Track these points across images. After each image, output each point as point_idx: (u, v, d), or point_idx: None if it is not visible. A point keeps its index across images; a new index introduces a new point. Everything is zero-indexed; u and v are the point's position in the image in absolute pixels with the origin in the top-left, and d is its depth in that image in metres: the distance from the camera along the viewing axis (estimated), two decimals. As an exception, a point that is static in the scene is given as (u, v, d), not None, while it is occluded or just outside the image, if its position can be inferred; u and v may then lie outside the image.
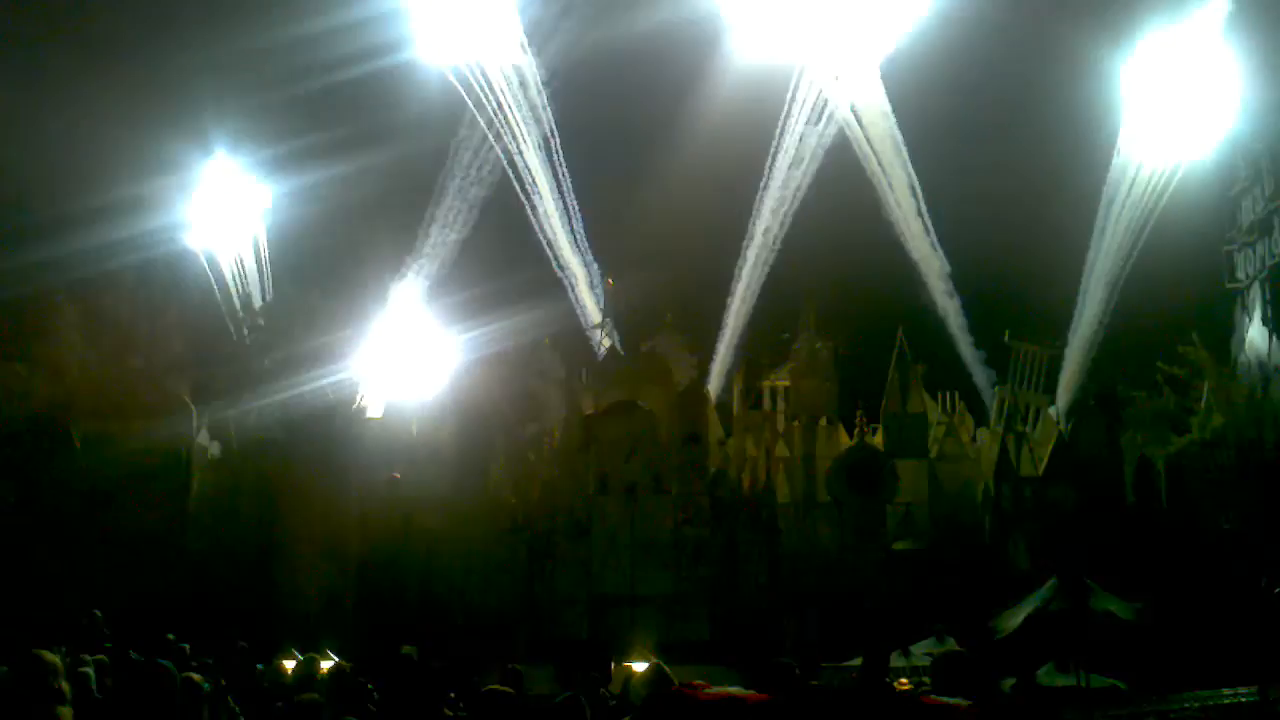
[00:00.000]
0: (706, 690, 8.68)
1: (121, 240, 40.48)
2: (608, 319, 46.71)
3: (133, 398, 37.81)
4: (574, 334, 47.05)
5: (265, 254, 48.77)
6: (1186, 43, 38.93)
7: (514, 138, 46.19)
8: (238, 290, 48.14)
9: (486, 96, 45.56)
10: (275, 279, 48.41)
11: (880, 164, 43.49)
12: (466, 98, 45.47)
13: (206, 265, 47.37)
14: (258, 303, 47.99)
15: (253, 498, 37.38)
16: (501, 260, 46.66)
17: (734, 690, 8.76)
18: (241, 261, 48.48)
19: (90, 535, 33.82)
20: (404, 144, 44.08)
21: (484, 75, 45.40)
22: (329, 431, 38.11)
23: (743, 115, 43.35)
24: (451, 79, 44.96)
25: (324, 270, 45.63)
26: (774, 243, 45.43)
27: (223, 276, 48.06)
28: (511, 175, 46.62)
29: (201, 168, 46.97)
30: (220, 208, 47.99)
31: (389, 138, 43.49)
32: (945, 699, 8.92)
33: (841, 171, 43.72)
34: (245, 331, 45.13)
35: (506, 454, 40.30)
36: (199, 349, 41.73)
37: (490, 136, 46.02)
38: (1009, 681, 13.19)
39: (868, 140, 43.30)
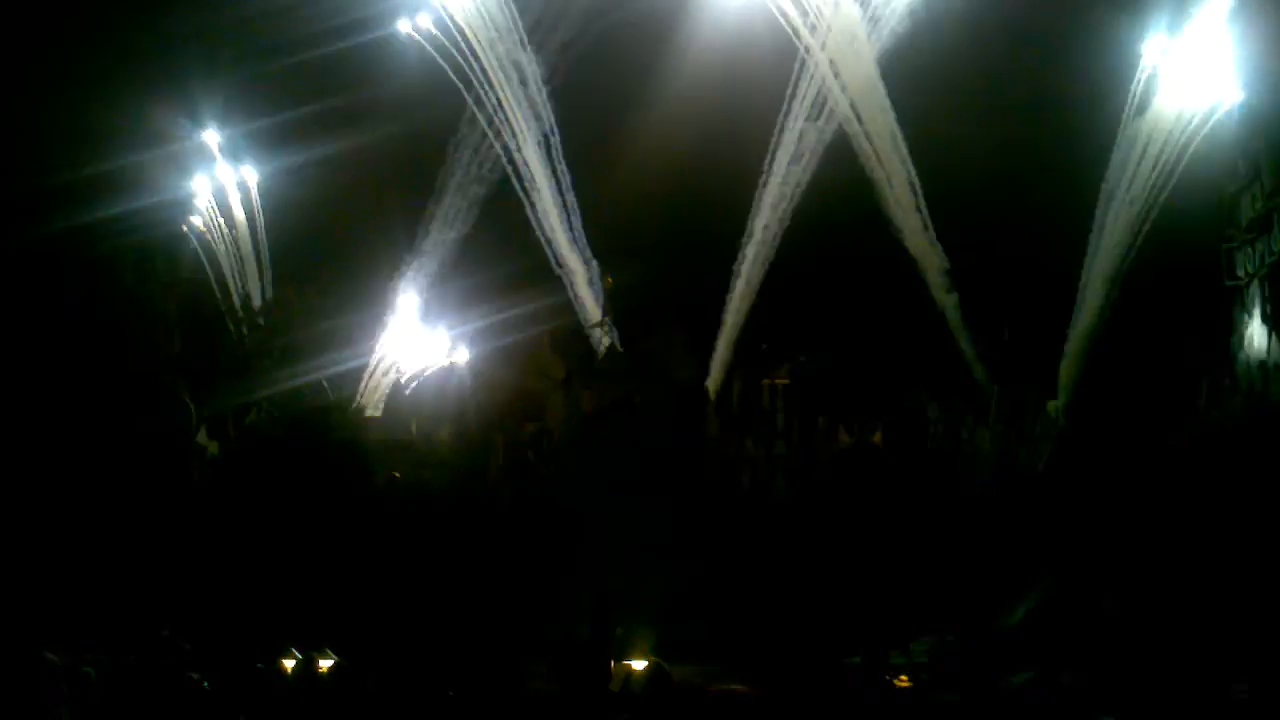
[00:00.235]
0: (707, 687, 8.70)
1: (112, 221, 40.27)
2: (607, 317, 46.68)
3: (131, 395, 37.84)
4: (573, 332, 47.00)
5: (263, 238, 48.55)
6: (1190, 36, 38.90)
7: (513, 134, 46.12)
8: (235, 284, 48.04)
9: (486, 92, 45.51)
10: (274, 270, 48.23)
11: (879, 158, 43.48)
12: (466, 94, 45.39)
13: (201, 251, 47.21)
14: (255, 295, 47.89)
15: (252, 496, 37.38)
16: (500, 256, 46.57)
17: (735, 687, 8.78)
18: (238, 248, 48.32)
19: (88, 532, 33.81)
20: (402, 122, 43.84)
21: (481, 66, 45.33)
22: (327, 430, 38.14)
23: (741, 104, 43.31)
24: (444, 65, 44.80)
25: (322, 259, 45.51)
26: (773, 239, 45.38)
27: (219, 264, 47.89)
28: (510, 171, 46.53)
29: (192, 144, 46.65)
30: (214, 188, 47.73)
31: (386, 115, 43.24)
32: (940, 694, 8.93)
33: (840, 169, 43.67)
34: (245, 331, 45.12)
35: (506, 452, 40.33)
36: (197, 344, 41.69)
37: (489, 131, 45.91)
38: (1022, 676, 13.23)
39: (867, 136, 43.28)
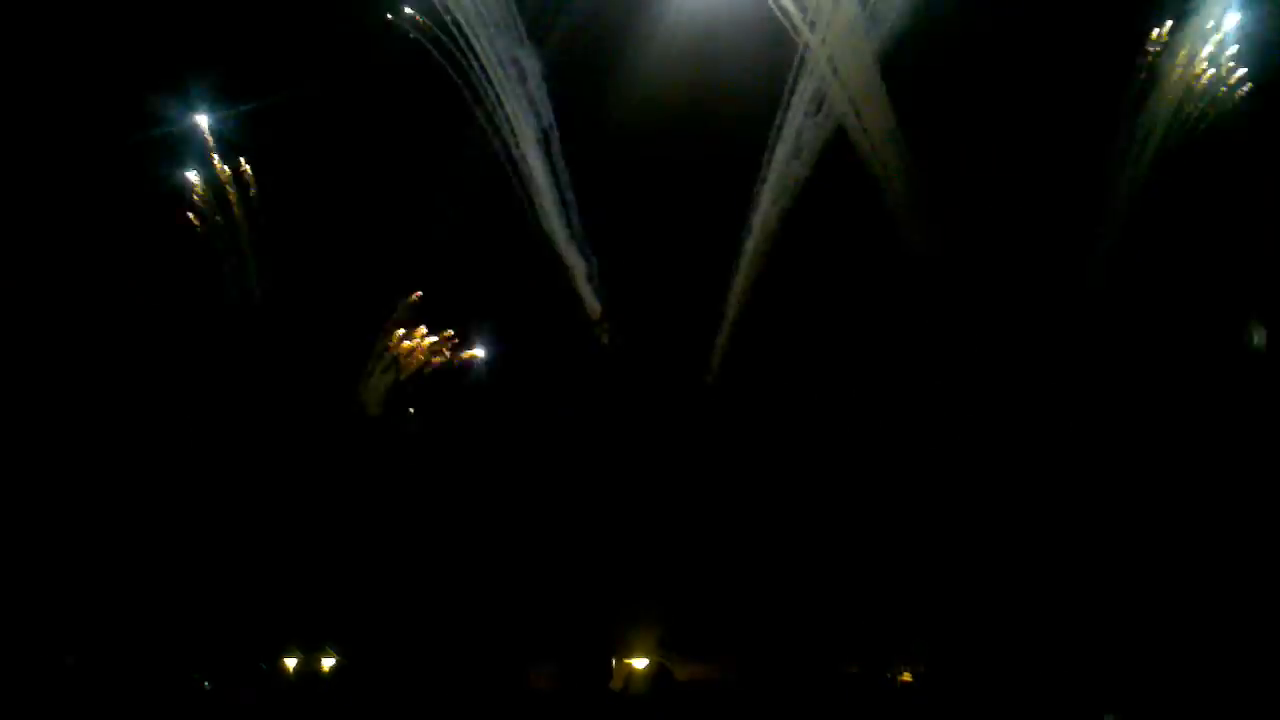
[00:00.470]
0: (705, 682, 8.71)
1: (108, 210, 40.14)
2: (606, 316, 46.67)
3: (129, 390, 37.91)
4: (572, 330, 46.94)
5: (259, 232, 48.32)
6: (1191, 33, 39.05)
7: (512, 131, 46.10)
8: (233, 278, 47.91)
9: (486, 90, 45.50)
10: (273, 265, 48.07)
11: (877, 154, 43.51)
12: (466, 90, 45.37)
13: (196, 243, 47.03)
14: (255, 292, 47.78)
15: (253, 496, 37.45)
16: (498, 253, 46.52)
17: (734, 685, 8.78)
18: (234, 241, 48.16)
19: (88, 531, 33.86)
20: (401, 115, 43.77)
21: (479, 63, 45.31)
22: (326, 428, 38.22)
23: (742, 98, 43.36)
24: (441, 61, 44.73)
25: (321, 252, 45.43)
26: (771, 235, 45.41)
27: (215, 256, 47.72)
28: (510, 170, 46.51)
29: (186, 131, 46.42)
30: (209, 176, 47.53)
31: (385, 109, 43.14)
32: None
33: (840, 166, 43.74)
34: (246, 329, 45.11)
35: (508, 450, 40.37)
36: (193, 339, 41.68)
37: (487, 126, 45.87)
38: (1021, 677, 13.26)
39: (865, 133, 43.30)
